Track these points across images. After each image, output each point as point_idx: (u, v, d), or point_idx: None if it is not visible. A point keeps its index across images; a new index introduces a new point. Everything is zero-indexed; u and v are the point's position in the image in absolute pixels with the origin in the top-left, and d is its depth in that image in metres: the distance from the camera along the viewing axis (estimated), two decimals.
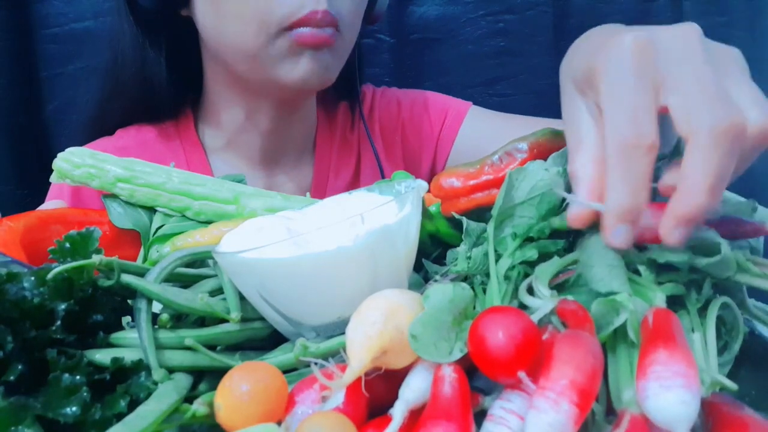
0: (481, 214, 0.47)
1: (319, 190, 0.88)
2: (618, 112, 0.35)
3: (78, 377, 0.34)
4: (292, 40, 0.69)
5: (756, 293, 0.38)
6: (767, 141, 0.35)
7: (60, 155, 0.63)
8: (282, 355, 0.39)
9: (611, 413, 0.31)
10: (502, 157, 0.48)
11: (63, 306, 0.37)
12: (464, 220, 0.46)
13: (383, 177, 0.88)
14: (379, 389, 0.34)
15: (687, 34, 0.36)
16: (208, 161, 0.86)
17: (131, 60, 0.82)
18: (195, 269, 0.47)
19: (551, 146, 0.45)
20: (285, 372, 0.37)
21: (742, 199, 0.43)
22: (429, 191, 0.51)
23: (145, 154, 0.71)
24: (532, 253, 0.40)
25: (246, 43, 0.71)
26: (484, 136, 0.90)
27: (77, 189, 0.76)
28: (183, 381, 0.37)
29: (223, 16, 0.72)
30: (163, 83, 0.82)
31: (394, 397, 0.33)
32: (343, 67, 0.79)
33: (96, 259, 0.39)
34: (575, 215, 0.38)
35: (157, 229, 0.61)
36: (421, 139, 0.93)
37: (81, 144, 0.68)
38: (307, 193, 0.70)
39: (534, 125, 0.77)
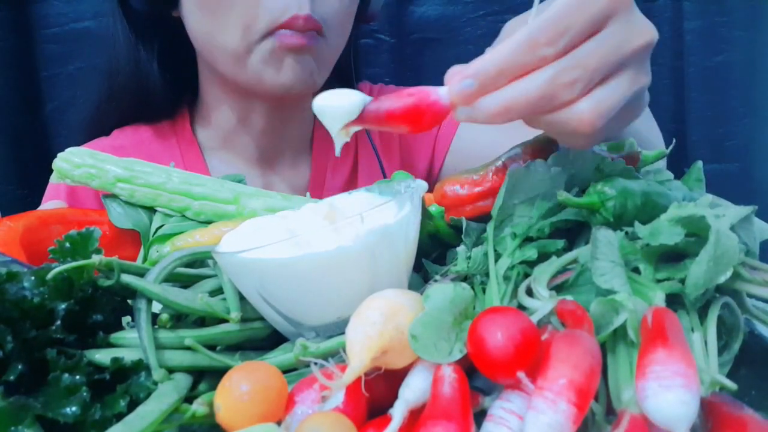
0: (482, 217, 0.47)
1: (317, 189, 0.88)
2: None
3: (78, 377, 0.34)
4: (274, 43, 0.70)
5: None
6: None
7: (60, 155, 0.63)
8: (282, 355, 0.39)
9: (611, 413, 0.31)
10: (506, 163, 0.48)
11: (63, 306, 0.37)
12: (464, 220, 0.46)
13: (384, 174, 0.88)
14: (379, 389, 0.34)
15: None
16: (204, 160, 0.86)
17: (125, 61, 0.82)
18: (195, 269, 0.47)
19: (554, 150, 0.45)
20: (285, 372, 0.37)
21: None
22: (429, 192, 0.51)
23: (141, 153, 0.71)
24: (531, 252, 0.40)
25: (231, 46, 0.72)
26: (481, 136, 0.90)
27: (73, 189, 0.76)
28: (183, 381, 0.37)
29: (210, 19, 0.73)
30: (158, 84, 0.83)
31: (394, 397, 0.33)
32: (339, 66, 0.78)
33: (96, 259, 0.39)
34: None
35: (157, 229, 0.61)
36: (418, 138, 0.93)
37: (81, 144, 0.68)
38: (307, 193, 0.70)
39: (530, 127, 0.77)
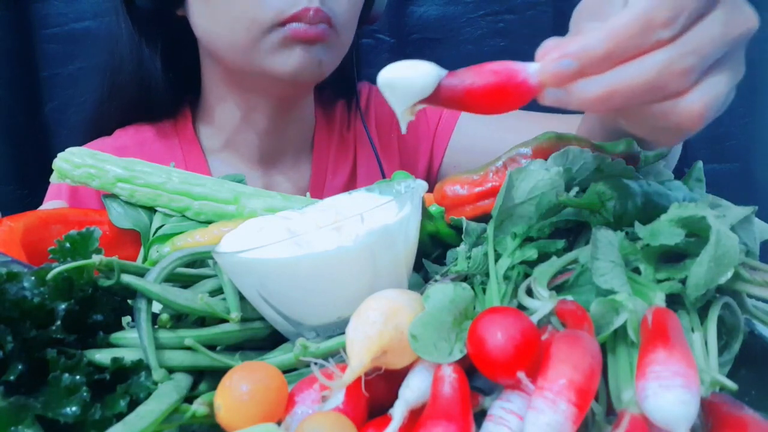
0: (482, 218, 0.47)
1: (317, 189, 0.88)
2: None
3: (78, 377, 0.34)
4: (285, 34, 0.70)
5: None
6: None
7: (60, 155, 0.63)
8: (282, 355, 0.39)
9: (611, 413, 0.31)
10: (507, 163, 0.48)
11: (63, 306, 0.37)
12: (464, 220, 0.46)
13: (383, 175, 0.88)
14: (379, 389, 0.34)
15: None
16: (206, 161, 0.86)
17: (128, 60, 0.82)
18: (195, 269, 0.47)
19: (554, 150, 0.45)
20: (285, 372, 0.37)
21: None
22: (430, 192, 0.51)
23: (143, 153, 0.71)
24: (531, 252, 0.40)
25: (238, 40, 0.72)
26: (480, 132, 0.90)
27: (75, 189, 0.76)
28: (183, 381, 0.37)
29: (215, 14, 0.73)
30: (160, 83, 0.83)
31: (394, 397, 0.33)
32: (340, 65, 0.79)
33: (96, 259, 0.39)
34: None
35: (157, 229, 0.61)
36: (418, 136, 0.93)
37: (81, 144, 0.68)
38: (307, 193, 0.70)
39: (529, 120, 0.77)
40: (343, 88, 0.92)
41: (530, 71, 0.33)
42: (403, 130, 0.37)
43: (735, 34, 0.34)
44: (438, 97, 0.34)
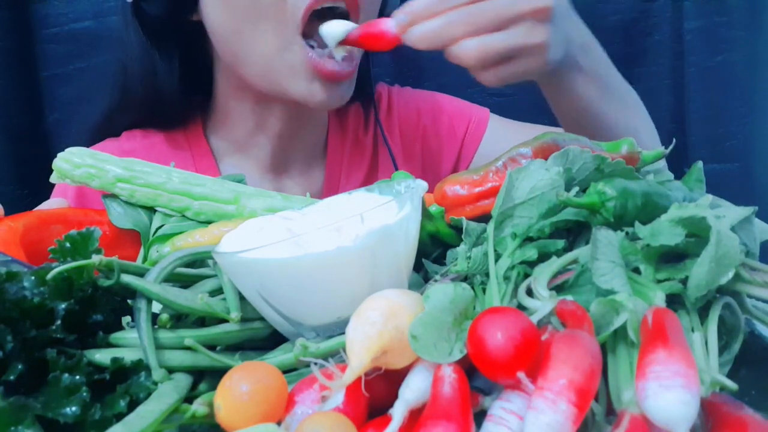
0: (482, 218, 0.47)
1: (331, 193, 0.87)
2: None
3: (78, 377, 0.34)
4: (309, 66, 0.69)
5: None
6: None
7: (60, 155, 0.63)
8: (282, 355, 0.39)
9: (611, 413, 0.31)
10: (507, 163, 0.48)
11: (63, 306, 0.37)
12: (464, 219, 0.46)
13: None
14: (379, 389, 0.34)
15: None
16: (218, 168, 0.85)
17: (139, 70, 0.80)
18: (195, 269, 0.47)
19: (554, 150, 0.45)
20: (285, 372, 0.37)
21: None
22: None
23: (151, 158, 0.69)
24: (531, 253, 0.40)
25: (261, 46, 0.70)
26: (507, 140, 0.89)
27: (81, 189, 0.75)
28: (183, 381, 0.37)
29: (237, 18, 0.71)
30: (174, 92, 0.81)
31: (394, 397, 0.33)
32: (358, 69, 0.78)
33: (96, 259, 0.39)
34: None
35: (157, 229, 0.61)
36: (442, 144, 0.93)
37: (86, 145, 0.67)
38: (308, 194, 0.70)
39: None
40: (358, 91, 0.91)
41: (390, 23, 0.55)
42: (338, 58, 0.65)
43: (520, 9, 0.53)
44: (348, 40, 0.60)
